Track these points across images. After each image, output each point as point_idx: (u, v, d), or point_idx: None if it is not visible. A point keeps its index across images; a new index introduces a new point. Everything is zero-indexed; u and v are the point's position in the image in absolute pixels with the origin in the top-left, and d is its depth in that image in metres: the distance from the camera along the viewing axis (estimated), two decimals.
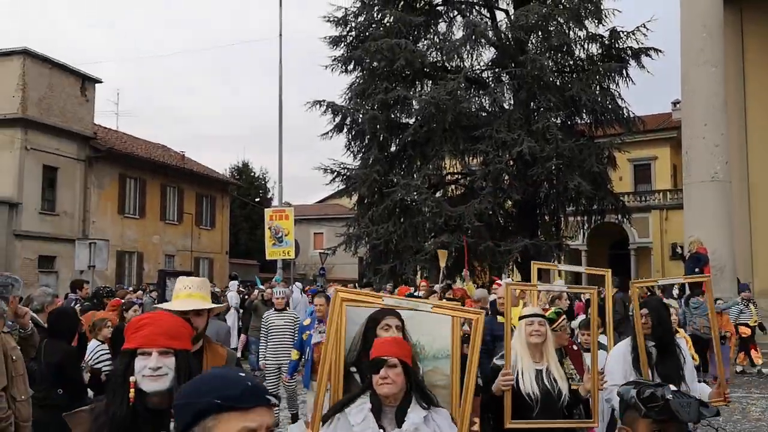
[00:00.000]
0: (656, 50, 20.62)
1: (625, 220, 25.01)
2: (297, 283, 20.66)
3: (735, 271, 12.83)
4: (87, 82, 26.00)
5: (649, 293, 10.27)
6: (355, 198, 23.32)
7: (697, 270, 12.46)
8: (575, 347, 5.59)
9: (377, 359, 2.86)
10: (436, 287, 12.32)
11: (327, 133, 22.20)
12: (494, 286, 10.97)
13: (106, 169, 26.51)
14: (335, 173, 22.46)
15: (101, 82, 26.72)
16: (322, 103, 21.56)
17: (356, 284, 23.54)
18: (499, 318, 5.94)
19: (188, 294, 3.07)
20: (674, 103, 34.54)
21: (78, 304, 9.06)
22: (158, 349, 2.20)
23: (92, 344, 6.23)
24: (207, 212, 32.51)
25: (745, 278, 14.40)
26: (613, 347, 4.90)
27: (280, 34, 17.10)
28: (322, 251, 28.59)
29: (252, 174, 42.79)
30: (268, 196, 41.72)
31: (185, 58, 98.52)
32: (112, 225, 26.54)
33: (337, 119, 21.75)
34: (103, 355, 6.12)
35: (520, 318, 4.20)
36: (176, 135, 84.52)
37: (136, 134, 32.08)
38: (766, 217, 16.34)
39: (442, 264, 13.03)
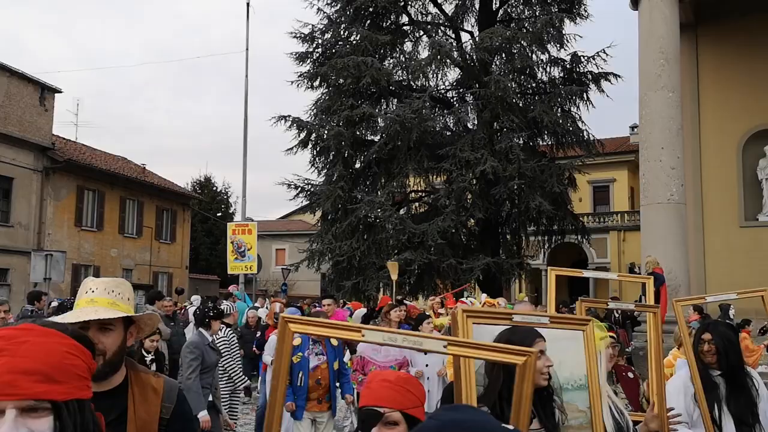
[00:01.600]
0: (615, 75, 21.26)
1: (584, 240, 25.48)
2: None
3: (689, 291, 13.14)
4: (46, 91, 25.51)
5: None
6: (318, 214, 23.28)
7: (654, 289, 12.74)
8: (631, 374, 4.82)
9: (367, 411, 2.06)
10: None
11: (291, 148, 22.19)
12: (458, 303, 11.03)
13: (64, 181, 25.96)
14: (299, 189, 22.43)
15: (61, 92, 26.27)
16: (287, 118, 21.56)
17: (317, 301, 23.44)
18: None
19: (90, 300, 2.04)
20: (632, 127, 35.43)
21: (34, 317, 8.84)
22: (17, 401, 1.17)
23: None
24: (167, 226, 32.02)
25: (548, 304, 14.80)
26: (670, 378, 4.07)
27: (247, 49, 17.12)
28: (284, 267, 28.42)
29: (214, 188, 42.39)
30: (231, 211, 41.33)
31: (149, 71, 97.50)
32: (68, 237, 25.95)
33: (302, 135, 21.75)
34: None
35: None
36: (137, 147, 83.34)
37: (96, 146, 31.57)
38: (718, 238, 16.81)
39: (394, 277, 12.76)
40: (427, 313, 8.60)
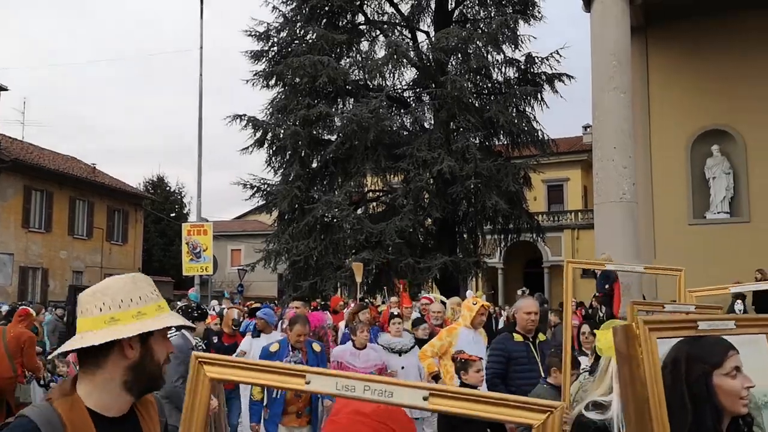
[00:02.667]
0: (568, 76, 21.61)
1: (539, 238, 25.85)
2: (213, 301, 20.17)
3: (641, 288, 13.44)
4: None
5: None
6: (275, 214, 23.06)
7: (607, 286, 12.98)
8: None
9: None
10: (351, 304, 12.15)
11: (247, 148, 21.93)
12: (423, 300, 10.55)
13: (10, 181, 25.13)
14: (255, 189, 22.17)
15: (6, 89, 25.42)
16: (242, 117, 21.30)
17: (275, 302, 23.23)
18: (516, 336, 5.36)
19: (159, 306, 1.79)
20: (585, 127, 36.13)
21: None
22: None
23: None
24: (119, 227, 31.30)
25: (649, 295, 15.14)
26: None
27: (201, 47, 16.83)
28: (240, 267, 28.05)
29: (168, 188, 41.60)
30: (185, 211, 40.63)
31: (100, 69, 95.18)
32: (15, 239, 25.12)
33: (258, 134, 21.52)
34: None
35: None
36: (88, 147, 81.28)
37: (44, 145, 30.64)
38: (668, 235, 17.25)
39: (359, 279, 12.60)
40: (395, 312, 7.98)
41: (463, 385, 4.77)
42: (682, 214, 17.53)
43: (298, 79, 20.80)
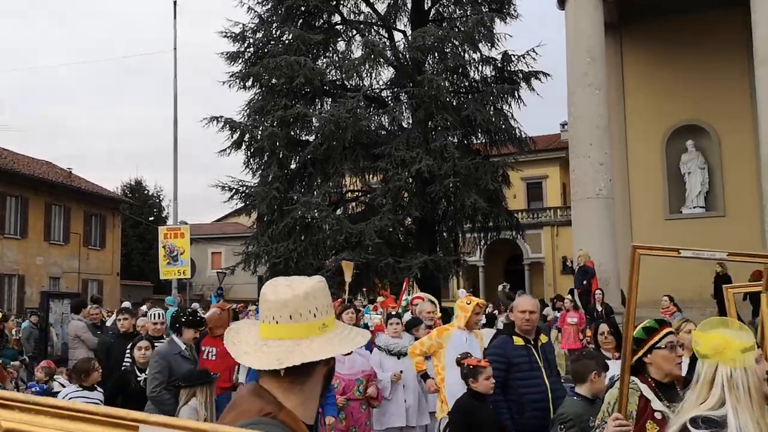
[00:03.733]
0: (545, 74, 21.68)
1: (518, 236, 25.97)
2: (194, 304, 19.98)
3: (618, 283, 13.54)
4: None
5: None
6: (254, 216, 22.92)
7: (585, 282, 13.09)
8: None
9: None
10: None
11: (225, 150, 21.76)
12: (416, 299, 10.08)
13: None
14: (233, 191, 21.99)
15: None
16: (219, 119, 21.13)
17: (255, 303, 23.09)
18: (516, 339, 4.80)
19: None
20: (562, 125, 36.35)
21: None
22: None
23: None
24: (96, 232, 30.93)
25: (628, 290, 15.18)
26: None
27: (175, 48, 16.68)
28: (220, 271, 27.85)
29: (146, 192, 41.23)
30: (163, 215, 40.26)
31: (74, 73, 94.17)
32: None
33: (235, 136, 21.36)
34: None
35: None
36: (63, 151, 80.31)
37: (18, 150, 30.19)
38: (646, 231, 17.41)
39: (348, 278, 12.05)
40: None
41: (471, 392, 4.47)
42: (658, 209, 17.70)
43: (274, 80, 20.69)
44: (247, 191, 21.91)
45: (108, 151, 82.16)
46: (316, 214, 20.54)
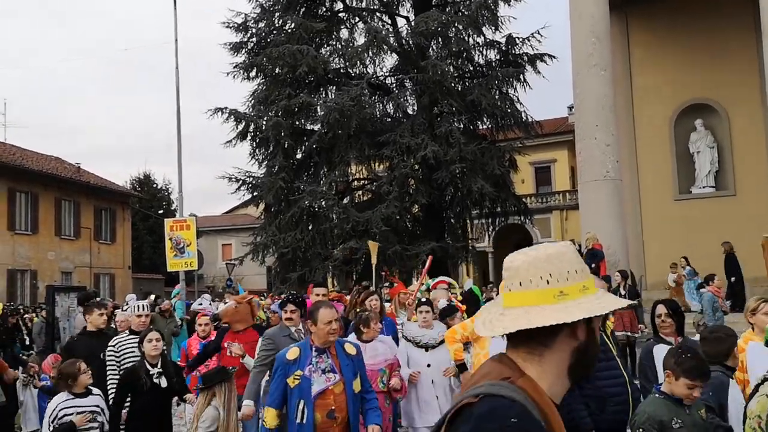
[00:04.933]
0: (550, 56, 21.45)
1: (527, 221, 25.82)
2: (205, 295, 19.99)
3: (628, 265, 13.42)
4: None
5: None
6: (261, 207, 22.93)
7: (593, 265, 12.97)
8: None
9: None
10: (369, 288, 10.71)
11: (230, 141, 21.74)
12: (438, 284, 9.02)
13: None
14: (240, 182, 21.98)
15: None
16: (223, 110, 21.08)
17: (264, 294, 23.15)
18: None
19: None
20: (569, 108, 36.04)
21: None
22: None
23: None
24: (106, 226, 31.09)
25: (638, 272, 15.11)
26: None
27: (176, 39, 16.59)
28: (228, 262, 27.93)
29: (155, 186, 41.37)
30: (172, 208, 40.38)
31: (78, 67, 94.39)
32: (1, 242, 24.92)
33: (240, 127, 21.32)
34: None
35: None
36: (72, 147, 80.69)
37: (27, 146, 30.34)
38: (655, 212, 17.24)
39: (375, 259, 10.68)
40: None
41: None
42: (667, 189, 17.53)
43: (278, 70, 20.61)
44: (253, 182, 21.89)
45: (116, 147, 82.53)
46: (323, 204, 20.53)
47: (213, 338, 7.32)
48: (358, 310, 6.41)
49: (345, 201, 21.34)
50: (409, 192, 20.12)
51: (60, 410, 4.94)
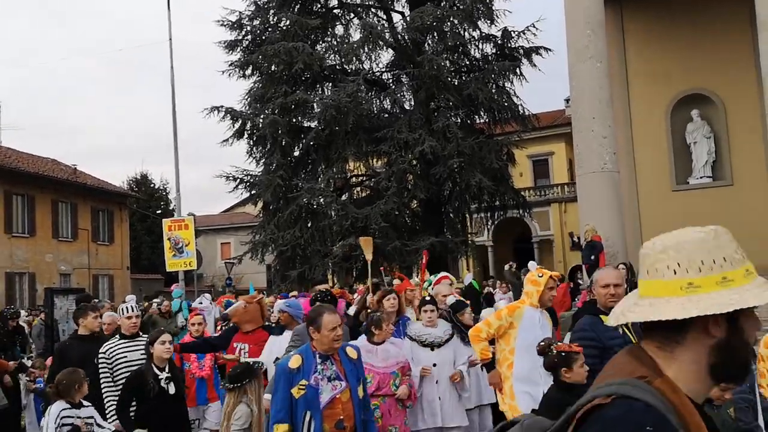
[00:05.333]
0: (546, 49, 21.46)
1: (526, 214, 25.84)
2: (206, 294, 19.94)
3: (627, 257, 13.40)
4: None
5: None
6: (260, 205, 22.91)
7: (593, 257, 12.97)
8: None
9: None
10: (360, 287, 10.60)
11: (227, 139, 21.72)
12: (442, 280, 8.32)
13: None
14: (238, 180, 21.98)
15: None
16: (219, 109, 21.06)
17: (264, 292, 23.14)
18: (605, 319, 3.92)
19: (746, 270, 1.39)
20: (566, 100, 35.99)
21: None
22: None
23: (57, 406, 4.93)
24: (104, 227, 31.06)
25: (636, 263, 15.05)
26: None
27: (170, 38, 16.59)
28: (227, 260, 27.93)
29: (152, 186, 41.32)
30: (170, 208, 40.34)
31: (78, 67, 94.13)
32: None
33: (237, 125, 21.31)
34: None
35: None
36: (71, 147, 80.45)
37: (22, 149, 30.27)
38: (653, 203, 17.24)
39: (369, 255, 10.09)
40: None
41: (563, 385, 3.62)
42: (665, 180, 17.52)
43: (273, 67, 20.59)
44: (251, 180, 21.89)
45: (115, 147, 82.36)
46: (322, 201, 20.52)
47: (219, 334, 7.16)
48: (370, 310, 6.05)
49: (343, 198, 21.34)
50: (407, 187, 20.13)
51: (62, 417, 4.81)
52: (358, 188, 23.05)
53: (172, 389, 5.13)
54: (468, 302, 6.87)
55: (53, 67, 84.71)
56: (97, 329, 6.08)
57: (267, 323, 6.75)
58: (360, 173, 22.94)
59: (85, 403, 5.04)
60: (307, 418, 3.67)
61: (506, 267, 17.37)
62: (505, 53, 21.53)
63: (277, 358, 5.19)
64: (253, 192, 22.41)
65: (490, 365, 5.04)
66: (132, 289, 28.95)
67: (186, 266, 13.68)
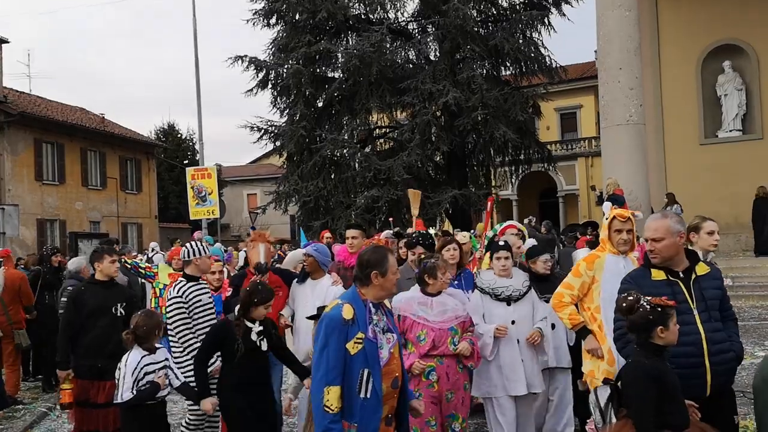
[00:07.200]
0: None
1: (551, 168, 25.60)
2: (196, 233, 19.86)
3: (650, 211, 13.28)
4: None
5: None
6: (285, 156, 23.04)
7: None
8: None
9: None
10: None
11: (252, 89, 21.74)
12: (507, 229, 6.69)
13: (20, 134, 25.20)
14: (262, 131, 22.07)
15: (8, 42, 25.23)
16: (243, 58, 21.04)
17: (289, 243, 23.43)
18: (655, 273, 3.46)
19: None
20: (596, 52, 35.19)
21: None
22: None
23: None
24: (132, 176, 31.48)
25: None
26: None
27: None
28: (252, 210, 28.22)
29: (179, 136, 41.51)
30: (197, 158, 40.64)
31: (102, 20, 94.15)
32: (29, 192, 25.39)
33: (261, 75, 21.29)
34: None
35: None
36: (96, 98, 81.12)
37: (52, 97, 30.59)
38: (679, 156, 16.96)
39: (416, 209, 9.21)
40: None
41: (652, 347, 3.00)
42: (693, 133, 17.18)
43: (298, 16, 20.44)
44: (275, 131, 21.96)
45: (140, 97, 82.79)
46: (345, 152, 20.57)
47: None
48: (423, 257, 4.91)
49: (367, 149, 21.34)
50: (431, 139, 20.03)
51: (143, 367, 4.31)
52: (382, 140, 23.00)
53: (264, 345, 4.31)
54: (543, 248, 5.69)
55: (79, 17, 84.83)
56: (115, 275, 5.44)
57: (286, 270, 6.05)
58: (383, 125, 22.86)
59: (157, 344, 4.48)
60: (365, 377, 3.16)
61: (525, 222, 17.33)
62: (533, 2, 21.05)
63: (321, 309, 4.23)
64: (277, 143, 22.50)
65: (584, 331, 4.28)
66: (160, 237, 29.47)
67: (209, 214, 13.91)
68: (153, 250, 12.77)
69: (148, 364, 4.32)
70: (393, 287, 3.38)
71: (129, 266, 7.66)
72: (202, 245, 5.31)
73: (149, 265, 8.23)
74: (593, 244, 6.48)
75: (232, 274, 7.41)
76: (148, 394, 4.28)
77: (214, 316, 5.21)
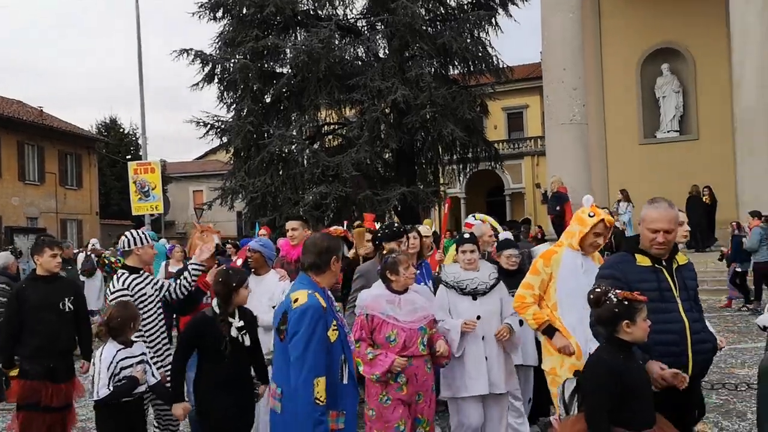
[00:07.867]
0: None
1: (498, 166, 25.98)
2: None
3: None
4: None
5: None
6: (231, 152, 22.70)
7: (558, 208, 13.16)
8: None
9: None
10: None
11: (197, 84, 21.34)
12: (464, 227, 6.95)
13: None
14: (209, 126, 21.68)
15: None
16: (189, 51, 20.63)
17: (233, 240, 23.12)
18: (640, 259, 3.34)
19: None
20: (541, 53, 35.89)
21: None
22: None
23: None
24: (72, 171, 30.56)
25: None
26: None
27: None
28: (197, 207, 27.77)
29: (121, 130, 40.52)
30: (140, 154, 39.69)
31: (37, 7, 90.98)
32: None
33: (207, 69, 20.92)
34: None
35: None
36: (34, 91, 78.29)
37: None
38: (620, 155, 17.46)
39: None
40: None
41: (617, 342, 2.93)
42: (633, 133, 17.71)
43: (245, 10, 20.16)
44: (222, 126, 21.61)
45: (79, 91, 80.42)
46: (293, 148, 20.39)
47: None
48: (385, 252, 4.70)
49: (315, 146, 21.21)
50: (380, 137, 20.04)
51: (119, 362, 4.02)
52: (330, 137, 22.92)
53: (247, 341, 4.03)
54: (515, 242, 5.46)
55: (15, 4, 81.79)
56: (56, 270, 5.02)
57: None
58: (332, 121, 22.78)
59: (133, 338, 4.21)
60: (343, 363, 3.17)
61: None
62: (481, 2, 21.30)
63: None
64: (224, 138, 22.16)
65: (549, 329, 4.11)
66: (102, 234, 28.70)
67: (152, 210, 13.62)
68: (92, 246, 12.43)
69: (124, 358, 4.02)
70: (339, 273, 3.35)
71: (107, 262, 7.40)
72: (142, 233, 5.02)
73: (116, 261, 7.85)
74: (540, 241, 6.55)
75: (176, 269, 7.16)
76: (126, 390, 3.98)
77: (160, 309, 4.92)
